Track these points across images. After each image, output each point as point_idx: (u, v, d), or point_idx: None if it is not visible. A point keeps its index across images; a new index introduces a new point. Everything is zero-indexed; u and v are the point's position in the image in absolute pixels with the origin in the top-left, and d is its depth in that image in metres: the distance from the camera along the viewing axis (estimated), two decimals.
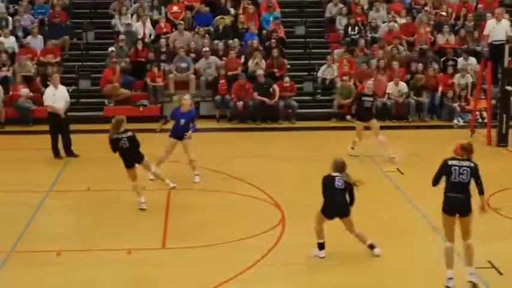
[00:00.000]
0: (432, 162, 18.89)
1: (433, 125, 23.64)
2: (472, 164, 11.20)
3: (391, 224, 14.39)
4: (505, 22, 21.14)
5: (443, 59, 25.27)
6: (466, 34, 26.04)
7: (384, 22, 26.68)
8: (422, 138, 22.27)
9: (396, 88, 23.96)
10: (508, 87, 20.26)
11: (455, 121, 23.69)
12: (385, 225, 14.30)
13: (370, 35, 26.22)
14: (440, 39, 25.99)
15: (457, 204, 11.15)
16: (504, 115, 20.49)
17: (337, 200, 12.22)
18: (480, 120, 22.88)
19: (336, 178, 12.19)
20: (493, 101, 21.64)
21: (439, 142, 21.70)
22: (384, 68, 24.56)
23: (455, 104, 23.89)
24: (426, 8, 27.06)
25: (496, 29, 20.84)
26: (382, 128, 23.02)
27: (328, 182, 12.19)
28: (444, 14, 26.75)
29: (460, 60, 25.10)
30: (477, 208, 11.36)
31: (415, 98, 23.85)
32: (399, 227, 14.34)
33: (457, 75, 24.48)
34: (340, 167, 12.30)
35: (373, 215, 14.84)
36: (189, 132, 16.66)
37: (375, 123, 19.02)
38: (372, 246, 12.50)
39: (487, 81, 21.37)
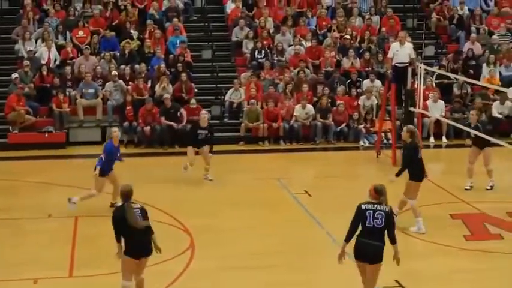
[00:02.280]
0: (339, 183, 19.33)
1: (339, 147, 23.86)
2: (387, 209, 10.61)
3: (301, 246, 14.46)
4: (408, 45, 21.53)
5: (348, 81, 25.61)
6: (370, 57, 26.49)
7: (290, 45, 26.91)
8: (329, 161, 22.55)
9: (303, 111, 24.17)
10: (412, 109, 20.66)
11: (361, 142, 24.00)
12: (296, 247, 14.36)
13: (276, 59, 26.43)
14: (346, 62, 26.37)
15: (368, 251, 10.55)
16: None
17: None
18: (385, 141, 23.24)
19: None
20: (398, 122, 22.01)
21: (346, 164, 22.08)
22: (291, 91, 24.78)
23: (361, 126, 24.23)
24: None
25: (400, 51, 21.18)
26: (289, 150, 23.39)
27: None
28: (348, 37, 27.15)
29: (366, 82, 25.48)
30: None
31: (321, 120, 24.10)
32: (309, 249, 14.40)
33: (362, 97, 24.83)
34: None
35: (283, 237, 14.92)
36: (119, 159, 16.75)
37: (205, 150, 18.88)
38: None
39: (391, 103, 21.74)
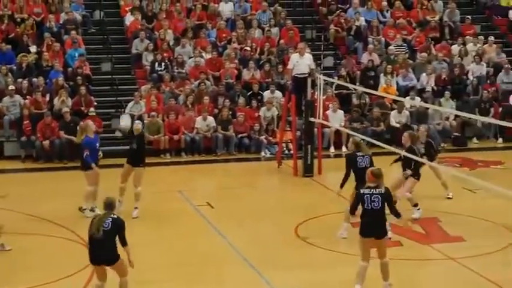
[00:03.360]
0: (241, 194, 19.38)
1: (240, 158, 23.88)
2: (383, 191, 12.04)
3: (204, 258, 14.42)
4: (307, 56, 21.73)
5: (249, 93, 25.71)
6: (270, 68, 26.65)
7: (190, 57, 26.86)
8: (231, 172, 22.57)
9: (204, 123, 24.14)
10: (312, 119, 20.85)
11: (262, 153, 24.10)
12: (198, 259, 14.32)
13: (176, 71, 26.35)
14: (246, 74, 26.47)
15: (370, 229, 12.02)
16: (309, 146, 21.04)
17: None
18: (286, 151, 23.38)
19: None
20: (298, 133, 22.18)
21: (247, 174, 22.14)
22: (192, 103, 24.73)
23: (262, 137, 24.33)
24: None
25: (300, 62, 21.38)
26: (191, 162, 23.32)
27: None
28: (249, 48, 27.28)
29: (266, 93, 25.61)
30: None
31: (222, 132, 24.11)
32: (211, 260, 14.36)
33: (263, 109, 24.95)
34: None
35: (185, 249, 14.86)
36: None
37: (138, 172, 17.41)
38: None
39: (292, 114, 21.88)
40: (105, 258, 11.29)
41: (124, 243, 11.31)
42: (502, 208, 17.06)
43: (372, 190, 12.01)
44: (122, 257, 11.35)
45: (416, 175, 16.56)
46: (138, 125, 17.81)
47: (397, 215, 12.45)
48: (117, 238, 11.29)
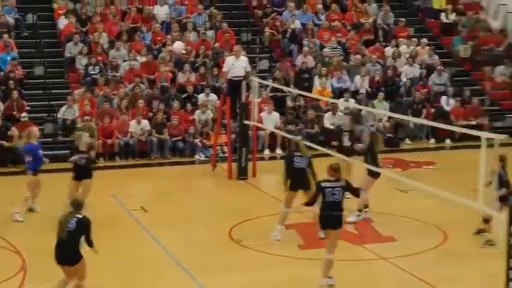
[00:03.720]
0: (175, 197, 19.30)
1: (175, 162, 23.76)
2: (344, 183, 12.55)
3: (137, 263, 14.33)
4: (243, 58, 21.78)
5: (184, 96, 25.64)
6: (205, 71, 26.60)
7: (124, 61, 26.68)
8: (165, 175, 22.46)
9: (138, 126, 23.98)
10: (246, 122, 20.87)
11: (196, 156, 24.03)
12: (132, 264, 14.23)
13: (111, 74, 26.15)
14: (181, 77, 26.39)
15: (329, 221, 12.50)
16: (244, 149, 21.07)
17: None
18: (221, 154, 23.35)
19: None
20: (233, 135, 22.17)
21: (182, 178, 22.08)
22: (127, 107, 24.57)
23: (197, 140, 24.25)
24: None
25: (235, 65, 21.42)
26: (125, 167, 23.15)
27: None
28: (184, 51, 27.19)
29: (201, 96, 25.57)
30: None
31: (157, 135, 23.99)
32: (145, 265, 14.28)
33: (198, 112, 24.89)
34: None
35: (119, 254, 14.75)
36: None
37: (87, 184, 17.00)
38: None
39: (227, 116, 21.88)
40: (68, 259, 11.25)
41: (90, 243, 11.32)
42: (434, 208, 17.27)
43: (333, 183, 12.43)
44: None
45: (374, 174, 16.52)
46: (87, 139, 17.42)
47: (357, 195, 13.61)
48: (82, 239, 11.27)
